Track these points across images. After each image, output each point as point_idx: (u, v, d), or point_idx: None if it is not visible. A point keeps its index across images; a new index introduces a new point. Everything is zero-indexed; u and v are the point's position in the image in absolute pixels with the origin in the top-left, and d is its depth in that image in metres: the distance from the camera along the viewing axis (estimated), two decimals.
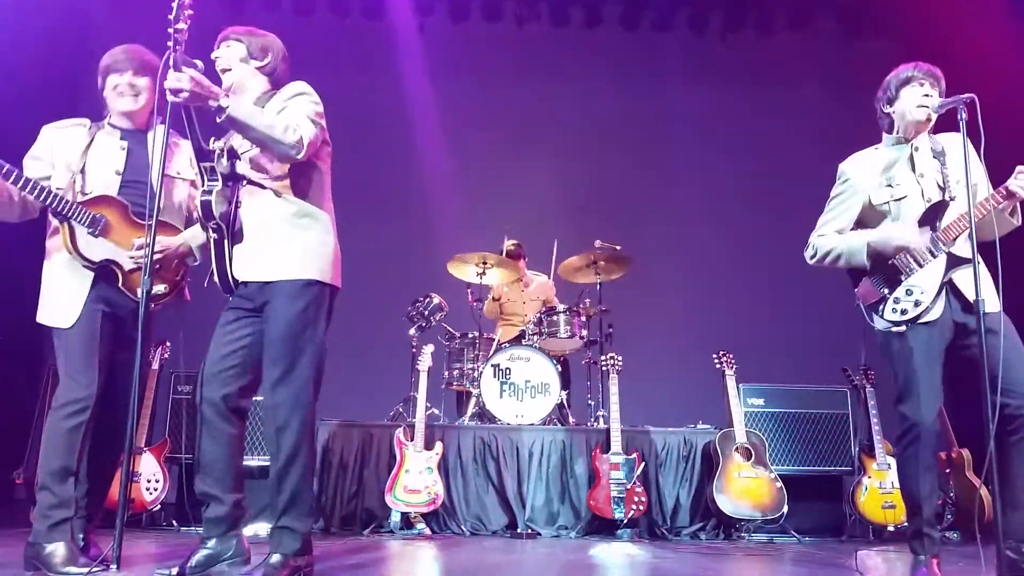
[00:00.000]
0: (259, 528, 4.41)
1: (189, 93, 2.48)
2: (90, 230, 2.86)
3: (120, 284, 2.92)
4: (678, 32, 8.00)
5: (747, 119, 7.71)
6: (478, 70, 7.82)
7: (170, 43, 2.54)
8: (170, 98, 2.52)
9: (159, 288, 3.01)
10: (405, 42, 7.70)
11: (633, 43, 8.02)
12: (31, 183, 2.79)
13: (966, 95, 2.77)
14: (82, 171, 2.94)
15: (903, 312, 2.88)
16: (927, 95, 2.97)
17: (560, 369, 5.52)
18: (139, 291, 2.84)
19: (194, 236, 3.07)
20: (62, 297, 2.89)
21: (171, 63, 2.53)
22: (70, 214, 2.84)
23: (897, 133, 3.06)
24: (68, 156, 2.96)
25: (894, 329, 2.89)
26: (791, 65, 7.79)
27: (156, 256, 2.88)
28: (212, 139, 2.78)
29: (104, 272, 2.90)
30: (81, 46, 6.56)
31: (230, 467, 2.76)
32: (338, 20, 7.82)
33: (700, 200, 7.65)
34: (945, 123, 3.01)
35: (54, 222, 2.94)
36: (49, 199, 2.81)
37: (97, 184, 2.95)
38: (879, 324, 2.95)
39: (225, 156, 2.74)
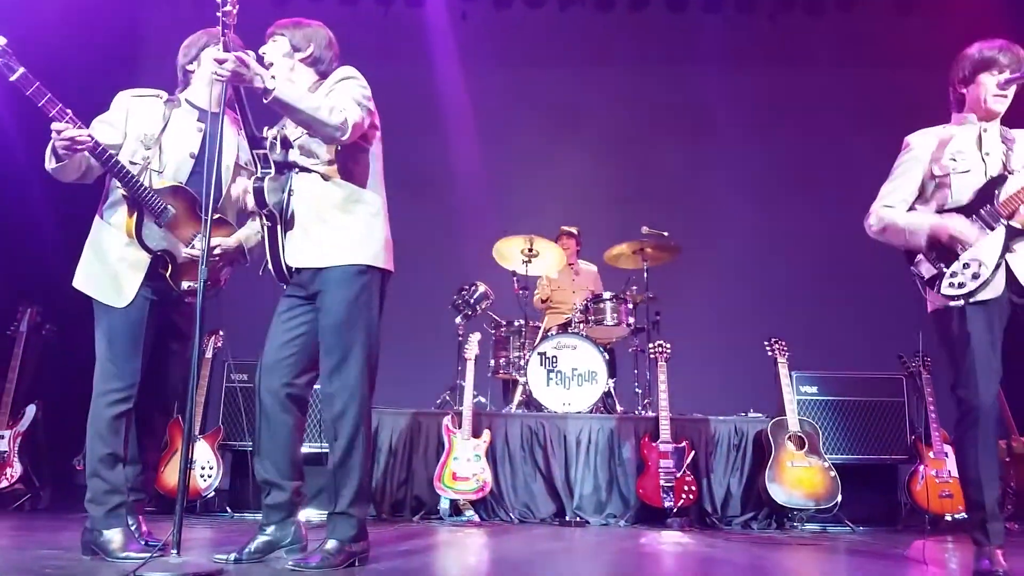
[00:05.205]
0: (310, 514, 4.47)
1: (231, 72, 2.49)
2: (157, 220, 2.87)
3: (168, 275, 2.92)
4: (726, 13, 7.84)
5: (795, 102, 7.55)
6: (521, 57, 7.78)
7: (219, 27, 2.55)
8: (214, 76, 2.52)
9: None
10: (448, 29, 7.70)
11: (680, 25, 7.88)
12: (114, 161, 2.77)
13: None
14: (159, 148, 2.93)
15: (960, 286, 2.77)
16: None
17: (607, 357, 5.49)
18: (183, 284, 2.92)
19: (247, 237, 3.09)
20: (118, 276, 2.87)
21: (221, 45, 2.55)
22: (144, 200, 2.83)
23: (967, 113, 2.95)
24: (144, 128, 2.93)
25: (951, 304, 2.78)
26: (841, 46, 7.59)
27: (215, 256, 2.94)
28: (266, 128, 2.81)
29: (157, 261, 2.91)
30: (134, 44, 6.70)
31: (289, 455, 2.79)
32: (382, 9, 7.83)
33: (749, 185, 7.50)
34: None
35: (113, 196, 2.93)
36: (127, 180, 2.79)
37: (171, 166, 2.94)
38: (936, 301, 2.86)
39: (279, 144, 2.77)
